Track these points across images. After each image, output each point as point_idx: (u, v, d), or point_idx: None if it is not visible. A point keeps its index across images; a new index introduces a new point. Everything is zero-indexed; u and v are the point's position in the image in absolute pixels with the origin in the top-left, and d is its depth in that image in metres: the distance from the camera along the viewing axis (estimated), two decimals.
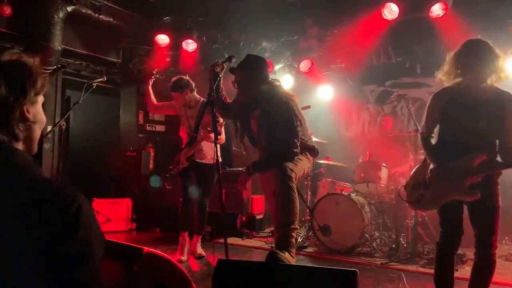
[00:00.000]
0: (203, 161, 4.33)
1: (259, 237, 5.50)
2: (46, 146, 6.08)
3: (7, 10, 5.07)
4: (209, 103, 2.89)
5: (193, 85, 4.35)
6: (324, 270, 1.74)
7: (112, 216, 5.82)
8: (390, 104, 6.45)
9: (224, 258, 2.23)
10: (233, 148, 3.28)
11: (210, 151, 4.28)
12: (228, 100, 3.29)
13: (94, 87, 3.77)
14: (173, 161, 4.40)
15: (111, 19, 5.90)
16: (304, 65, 6.19)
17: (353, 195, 4.78)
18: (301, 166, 3.00)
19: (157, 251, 2.53)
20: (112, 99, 8.02)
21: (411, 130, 4.60)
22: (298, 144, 2.95)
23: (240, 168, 5.88)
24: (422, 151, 4.98)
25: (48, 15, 5.16)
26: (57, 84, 6.18)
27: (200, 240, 4.57)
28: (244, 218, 5.76)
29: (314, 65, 6.19)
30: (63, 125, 3.56)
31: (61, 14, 5.26)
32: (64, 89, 6.28)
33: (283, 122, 2.94)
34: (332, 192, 5.03)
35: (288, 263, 2.49)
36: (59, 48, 5.29)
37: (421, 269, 3.99)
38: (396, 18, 5.13)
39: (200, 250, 4.52)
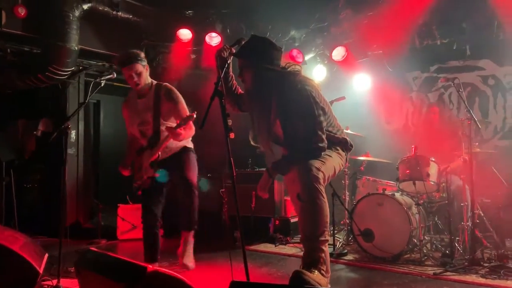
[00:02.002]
0: (169, 154, 3.53)
1: (294, 242, 5.04)
2: (71, 151, 5.90)
3: (22, 12, 4.89)
4: (217, 93, 2.46)
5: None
6: None
7: (138, 223, 5.52)
8: (436, 91, 5.78)
9: (237, 281, 1.78)
10: (252, 144, 2.78)
11: (177, 143, 3.48)
12: (240, 90, 2.84)
13: (102, 84, 3.43)
14: (135, 170, 3.60)
15: (130, 16, 5.61)
16: (338, 53, 5.65)
17: (397, 195, 4.22)
18: (331, 163, 2.51)
19: (164, 269, 2.13)
20: None
21: (464, 118, 3.97)
22: (324, 137, 2.47)
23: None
24: (477, 143, 4.38)
25: (63, 14, 4.93)
26: (79, 87, 6.00)
27: (191, 241, 3.54)
28: (277, 222, 5.32)
29: (349, 52, 5.64)
30: (70, 128, 3.24)
31: (76, 13, 5.01)
32: (87, 91, 6.07)
33: (301, 113, 2.48)
34: (374, 191, 4.48)
35: (317, 285, 2.02)
36: (76, 48, 5.05)
37: (483, 280, 3.39)
38: None
39: (188, 259, 3.50)
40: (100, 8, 5.31)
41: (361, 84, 5.85)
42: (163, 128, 3.39)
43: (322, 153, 2.46)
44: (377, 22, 5.04)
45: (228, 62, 2.61)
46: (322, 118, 2.47)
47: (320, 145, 2.43)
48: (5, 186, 5.45)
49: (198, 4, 5.99)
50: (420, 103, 5.88)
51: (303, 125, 2.46)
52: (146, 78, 3.48)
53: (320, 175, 2.35)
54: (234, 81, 2.81)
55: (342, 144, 2.66)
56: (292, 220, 5.42)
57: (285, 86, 2.52)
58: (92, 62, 5.83)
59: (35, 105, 6.24)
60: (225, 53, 2.59)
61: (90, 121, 8.40)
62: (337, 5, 5.11)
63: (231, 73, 2.77)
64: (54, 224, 5.82)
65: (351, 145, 2.71)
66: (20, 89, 5.49)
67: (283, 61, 2.63)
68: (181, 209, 3.50)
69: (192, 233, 3.52)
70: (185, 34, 5.90)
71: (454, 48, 5.38)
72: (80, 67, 5.38)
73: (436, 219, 4.49)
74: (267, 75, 2.54)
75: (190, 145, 3.68)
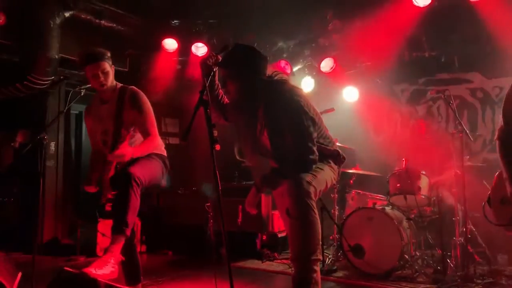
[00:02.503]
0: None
1: (282, 258, 4.88)
2: (50, 163, 5.68)
3: (0, 19, 4.70)
4: (202, 102, 2.32)
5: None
6: None
7: None
8: (424, 104, 5.74)
9: None
10: (238, 158, 2.62)
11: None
12: (226, 99, 2.70)
13: (82, 94, 3.26)
14: (102, 184, 2.97)
15: (114, 25, 5.47)
16: (326, 64, 5.57)
17: (388, 209, 4.11)
18: (322, 177, 2.38)
19: None
20: None
21: (455, 131, 3.90)
22: (315, 149, 2.34)
23: None
24: (468, 156, 4.31)
25: (43, 22, 4.76)
26: (60, 97, 5.79)
27: (114, 247, 2.60)
28: (264, 237, 5.15)
29: (337, 64, 5.56)
30: (46, 139, 3.05)
31: (57, 20, 4.85)
32: (69, 102, 5.87)
33: (289, 123, 2.35)
34: (364, 206, 4.37)
35: None
36: (57, 56, 4.88)
37: None
38: (429, 4, 4.46)
39: (97, 264, 2.48)
40: (82, 16, 5.16)
41: (350, 96, 5.78)
42: (123, 140, 2.96)
43: (313, 166, 2.33)
44: (366, 33, 4.98)
45: (214, 70, 2.48)
46: (312, 129, 2.35)
47: (311, 157, 2.30)
48: None
49: (184, 13, 5.88)
50: (408, 115, 5.82)
51: (292, 136, 2.34)
52: (112, 80, 3.11)
53: (311, 190, 2.21)
54: (220, 90, 2.67)
55: (334, 156, 2.54)
56: (280, 235, 5.26)
57: (272, 95, 2.40)
58: (73, 71, 5.63)
59: (13, 116, 6.00)
60: (211, 61, 2.46)
61: (71, 132, 8.19)
62: (325, 16, 5.03)
63: (217, 81, 2.63)
64: (31, 239, 5.57)
65: (344, 158, 2.58)
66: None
67: (270, 70, 2.51)
68: (112, 206, 2.87)
69: (119, 237, 2.63)
70: (170, 44, 5.78)
71: (443, 60, 5.36)
72: (61, 77, 5.19)
73: (426, 234, 4.38)
74: (253, 85, 2.41)
75: (159, 151, 3.16)
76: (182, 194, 5.80)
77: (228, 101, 2.69)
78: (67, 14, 4.95)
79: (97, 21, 5.29)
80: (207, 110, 2.39)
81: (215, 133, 2.40)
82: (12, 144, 5.76)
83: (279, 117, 2.35)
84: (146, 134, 2.99)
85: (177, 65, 6.16)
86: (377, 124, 6.06)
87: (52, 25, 4.80)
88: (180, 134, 7.30)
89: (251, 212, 2.55)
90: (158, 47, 5.84)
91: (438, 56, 5.36)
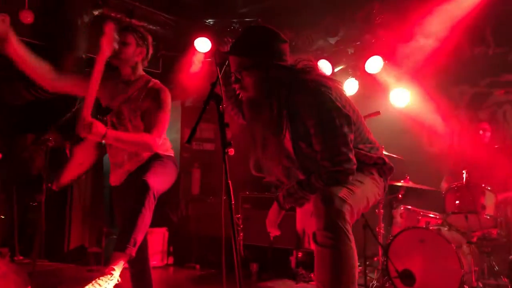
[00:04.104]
0: (137, 165, 2.75)
1: None
2: None
3: (28, 17, 4.55)
4: (213, 96, 1.90)
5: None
6: None
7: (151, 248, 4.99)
8: (487, 108, 5.01)
9: None
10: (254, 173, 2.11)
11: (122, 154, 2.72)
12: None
13: None
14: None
15: (145, 23, 5.21)
16: (372, 63, 4.98)
17: (444, 230, 3.50)
18: (362, 193, 1.85)
19: None
20: None
21: None
22: (351, 155, 1.81)
23: None
24: None
25: (71, 20, 4.59)
26: None
27: (116, 266, 2.28)
28: (300, 255, 4.64)
29: (384, 63, 4.97)
30: (52, 141, 2.77)
31: (86, 19, 4.66)
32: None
33: (316, 122, 1.83)
34: (414, 224, 3.77)
35: None
36: (84, 56, 4.67)
37: None
38: None
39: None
40: (112, 15, 4.93)
41: (399, 99, 5.14)
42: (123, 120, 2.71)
43: (350, 178, 1.82)
44: (418, 27, 4.37)
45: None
46: (347, 130, 1.81)
47: (346, 166, 1.79)
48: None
49: (219, 12, 5.56)
50: (468, 121, 5.10)
51: (320, 138, 1.83)
52: (136, 63, 2.79)
53: (346, 209, 1.69)
54: None
55: (378, 166, 1.98)
56: None
57: (296, 87, 1.91)
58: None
59: (44, 118, 5.91)
60: (226, 48, 2.04)
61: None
62: (371, 7, 4.48)
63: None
64: (57, 246, 5.41)
65: (391, 168, 2.03)
66: (29, 101, 5.17)
67: (292, 58, 2.01)
68: (123, 219, 2.64)
69: (123, 256, 2.30)
70: (203, 43, 5.44)
71: (510, 58, 4.63)
72: None
73: (491, 260, 3.70)
74: (277, 75, 1.94)
75: (166, 152, 2.84)
76: (213, 203, 5.42)
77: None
78: (96, 12, 4.75)
79: (127, 19, 5.05)
80: (219, 106, 1.97)
81: (229, 134, 1.98)
82: (43, 147, 5.65)
83: (304, 115, 1.86)
84: (148, 129, 2.65)
85: (210, 66, 5.82)
86: (431, 132, 5.37)
87: (79, 23, 4.60)
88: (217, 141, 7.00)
89: (272, 233, 2.07)
90: (192, 47, 5.54)
91: (505, 54, 4.64)
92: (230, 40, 2.11)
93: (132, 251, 2.36)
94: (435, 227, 3.53)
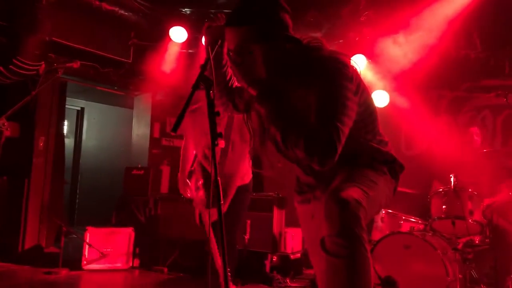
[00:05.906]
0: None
1: (294, 284, 4.16)
2: (37, 160, 5.06)
3: None
4: (203, 80, 1.63)
5: None
6: None
7: (109, 250, 4.63)
8: (466, 113, 4.98)
9: None
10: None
11: None
12: (236, 82, 1.91)
13: (60, 74, 2.64)
14: None
15: (117, 8, 4.87)
16: (355, 62, 4.85)
17: (429, 236, 3.37)
18: (377, 195, 1.62)
19: None
20: (125, 109, 7.05)
21: None
22: (342, 133, 1.51)
23: (272, 193, 4.59)
24: None
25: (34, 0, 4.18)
26: (54, 86, 5.19)
27: None
28: (275, 259, 4.43)
29: (368, 61, 4.85)
30: (6, 126, 2.43)
31: None
32: (62, 91, 5.29)
33: (325, 90, 1.56)
34: (396, 229, 3.64)
35: None
36: (47, 39, 4.28)
37: None
38: None
39: None
40: None
41: (378, 99, 5.02)
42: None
43: (334, 155, 1.50)
44: (403, 26, 4.27)
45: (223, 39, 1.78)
46: (348, 102, 1.54)
47: (333, 139, 1.48)
48: None
49: (196, 1, 5.27)
50: (446, 126, 5.04)
51: (321, 104, 1.55)
52: None
53: (362, 213, 1.42)
54: (229, 68, 1.94)
55: (388, 164, 1.76)
56: (294, 257, 4.56)
57: (313, 65, 1.65)
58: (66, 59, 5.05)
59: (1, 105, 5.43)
60: (221, 22, 1.78)
61: (72, 129, 7.62)
62: (357, 4, 4.34)
63: (225, 56, 1.90)
64: (10, 245, 4.95)
65: (402, 166, 1.83)
66: None
67: (299, 35, 1.76)
68: None
69: None
70: (178, 33, 5.14)
71: (491, 64, 4.61)
72: (55, 65, 4.61)
73: (472, 268, 3.62)
74: (287, 48, 1.67)
75: None
76: (184, 202, 5.11)
77: (238, 85, 1.96)
78: None
79: (97, 2, 4.69)
80: (209, 92, 1.70)
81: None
82: None
83: (313, 89, 1.59)
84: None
85: (186, 58, 5.53)
86: (408, 135, 5.29)
87: (44, 2, 4.21)
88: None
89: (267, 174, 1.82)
90: (166, 37, 5.23)
91: (486, 59, 4.61)
92: (222, 17, 1.81)
93: None
94: (420, 233, 3.41)
